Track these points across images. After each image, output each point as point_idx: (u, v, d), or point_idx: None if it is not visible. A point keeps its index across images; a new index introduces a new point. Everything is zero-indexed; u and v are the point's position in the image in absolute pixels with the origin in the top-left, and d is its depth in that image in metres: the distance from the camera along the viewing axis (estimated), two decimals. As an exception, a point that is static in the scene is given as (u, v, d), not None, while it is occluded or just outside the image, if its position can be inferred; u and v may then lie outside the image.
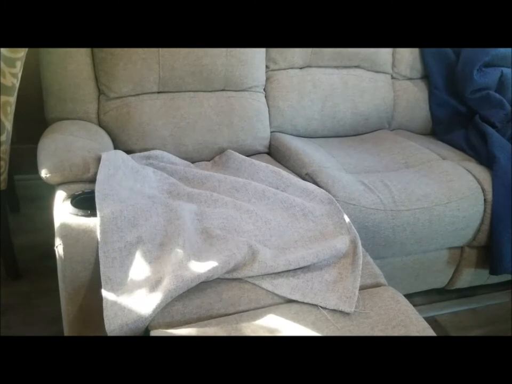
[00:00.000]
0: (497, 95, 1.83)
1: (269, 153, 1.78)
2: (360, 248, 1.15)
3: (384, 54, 1.91)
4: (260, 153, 1.76)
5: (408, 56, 1.96)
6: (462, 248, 1.64)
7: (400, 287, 1.64)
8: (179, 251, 1.04)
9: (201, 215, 1.23)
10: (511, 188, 1.52)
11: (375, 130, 1.98)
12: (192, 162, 1.61)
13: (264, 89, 1.78)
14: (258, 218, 1.24)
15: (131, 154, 1.46)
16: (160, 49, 1.52)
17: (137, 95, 1.57)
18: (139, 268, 1.01)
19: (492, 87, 1.86)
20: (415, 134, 1.99)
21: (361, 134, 1.96)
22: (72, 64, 1.49)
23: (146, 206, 1.16)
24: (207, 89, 1.66)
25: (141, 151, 1.54)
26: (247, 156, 1.70)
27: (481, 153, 1.70)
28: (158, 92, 1.61)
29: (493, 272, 1.59)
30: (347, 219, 1.24)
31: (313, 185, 1.39)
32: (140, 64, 1.51)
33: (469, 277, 1.69)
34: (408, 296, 1.70)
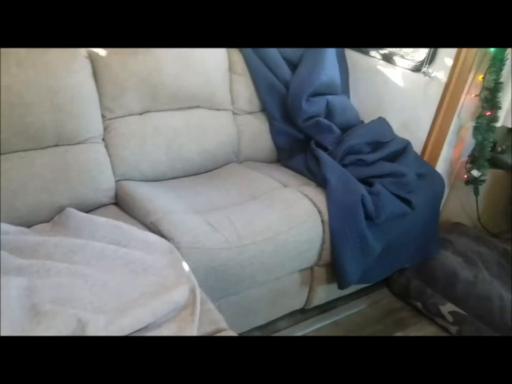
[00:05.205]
0: (325, 121, 2.00)
1: (116, 204, 1.73)
2: (199, 297, 1.16)
3: (220, 92, 1.99)
4: (105, 205, 1.70)
5: (245, 92, 2.06)
6: (311, 268, 1.74)
7: (261, 316, 1.69)
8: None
9: (31, 289, 1.14)
10: (342, 206, 1.66)
11: (224, 165, 2.04)
12: (29, 227, 1.50)
13: (103, 139, 1.74)
14: (96, 282, 1.19)
15: None
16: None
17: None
18: None
19: (321, 114, 2.03)
20: (262, 164, 2.09)
21: (212, 170, 2.01)
22: None
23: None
24: (38, 146, 1.57)
25: (-37, 225, 1.40)
26: (94, 209, 1.65)
27: (317, 176, 1.83)
28: (-21, 158, 1.48)
29: (340, 286, 1.71)
30: (187, 267, 1.25)
31: (154, 235, 1.38)
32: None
33: (324, 293, 1.80)
34: (272, 323, 1.77)
